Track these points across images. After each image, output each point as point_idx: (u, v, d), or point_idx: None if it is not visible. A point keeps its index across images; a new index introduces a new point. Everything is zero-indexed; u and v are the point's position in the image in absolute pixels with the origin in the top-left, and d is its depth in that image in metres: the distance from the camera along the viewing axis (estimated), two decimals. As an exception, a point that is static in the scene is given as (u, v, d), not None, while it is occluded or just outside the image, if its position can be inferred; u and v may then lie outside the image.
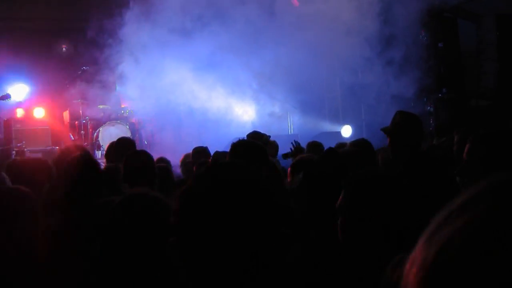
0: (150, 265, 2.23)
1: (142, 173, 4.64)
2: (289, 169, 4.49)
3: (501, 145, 2.75)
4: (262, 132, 8.25)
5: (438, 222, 0.82)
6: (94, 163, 4.50)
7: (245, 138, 7.77)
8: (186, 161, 7.73)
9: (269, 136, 8.25)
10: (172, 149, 10.83)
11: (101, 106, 14.49)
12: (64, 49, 15.96)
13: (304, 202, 2.97)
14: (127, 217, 2.30)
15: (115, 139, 6.87)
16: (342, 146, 7.35)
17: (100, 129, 13.90)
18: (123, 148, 6.11)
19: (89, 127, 14.21)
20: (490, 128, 2.88)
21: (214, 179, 1.65)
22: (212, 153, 7.26)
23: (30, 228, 2.93)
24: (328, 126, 16.38)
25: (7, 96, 12.56)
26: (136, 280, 2.23)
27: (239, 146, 4.26)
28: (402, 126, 4.80)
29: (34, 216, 2.97)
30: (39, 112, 15.17)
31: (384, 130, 5.00)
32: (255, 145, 4.43)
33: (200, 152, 7.62)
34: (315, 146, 7.79)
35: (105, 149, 7.26)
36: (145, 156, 4.92)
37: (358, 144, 5.51)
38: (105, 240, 2.29)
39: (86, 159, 4.40)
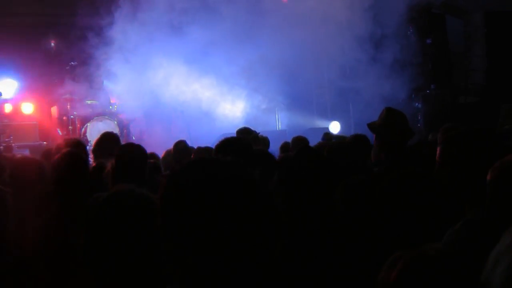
0: (136, 263, 2.21)
1: (135, 167, 4.58)
2: None
3: (471, 146, 2.72)
4: (250, 128, 8.24)
5: None
6: (81, 159, 4.45)
7: (235, 134, 7.78)
8: (167, 158, 7.69)
9: (258, 132, 8.24)
10: (160, 145, 10.79)
11: (89, 102, 14.41)
12: (52, 44, 15.86)
13: (282, 199, 2.97)
14: (113, 215, 2.26)
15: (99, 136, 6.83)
16: (329, 137, 7.39)
17: (88, 124, 13.83)
18: (108, 143, 6.08)
19: (77, 122, 14.13)
20: (463, 127, 2.87)
21: (193, 174, 1.65)
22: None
23: (4, 223, 2.91)
24: (316, 122, 16.39)
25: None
26: (121, 278, 2.21)
27: (224, 143, 4.22)
28: (389, 122, 4.78)
29: (7, 210, 2.94)
30: (27, 107, 15.08)
31: (370, 126, 4.97)
32: (240, 141, 4.39)
33: (182, 149, 7.59)
34: (299, 140, 7.78)
35: (93, 144, 7.23)
36: (138, 150, 4.85)
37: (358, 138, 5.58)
38: (89, 238, 2.26)
39: (72, 155, 4.36)
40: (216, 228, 1.57)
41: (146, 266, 2.22)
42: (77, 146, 5.66)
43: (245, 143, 4.25)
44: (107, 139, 6.37)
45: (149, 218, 2.25)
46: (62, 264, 3.22)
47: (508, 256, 1.27)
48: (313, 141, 8.54)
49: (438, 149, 2.86)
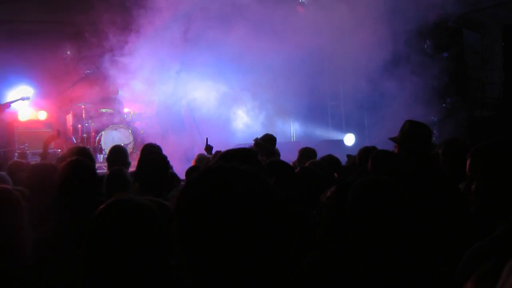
0: (132, 273, 2.19)
1: (156, 177, 4.60)
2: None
3: (500, 156, 2.65)
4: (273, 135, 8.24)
5: None
6: (86, 168, 4.42)
7: (250, 144, 7.76)
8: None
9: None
10: (174, 154, 10.79)
11: (104, 110, 14.47)
12: (68, 52, 15.97)
13: (334, 212, 2.92)
14: (107, 225, 2.25)
15: (117, 143, 6.92)
16: (351, 158, 7.32)
17: (103, 132, 13.88)
18: (118, 155, 6.16)
19: (91, 130, 14.19)
20: (488, 139, 2.77)
21: (207, 183, 1.62)
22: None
23: (14, 225, 2.90)
24: (330, 134, 16.35)
25: (27, 98, 12.71)
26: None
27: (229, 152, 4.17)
28: (411, 135, 4.74)
29: (18, 212, 2.94)
30: (42, 115, 15.19)
31: (393, 139, 4.95)
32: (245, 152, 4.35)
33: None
34: (309, 152, 7.72)
35: (107, 153, 7.27)
36: (161, 160, 4.86)
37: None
38: (87, 247, 2.25)
39: (76, 164, 4.34)
40: (230, 237, 1.55)
41: (142, 276, 2.19)
42: (83, 154, 5.64)
43: (250, 153, 4.22)
44: (116, 152, 6.48)
45: (147, 227, 2.24)
46: (62, 274, 3.20)
47: None
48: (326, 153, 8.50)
49: (467, 162, 2.77)
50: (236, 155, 3.63)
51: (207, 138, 8.60)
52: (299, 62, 13.88)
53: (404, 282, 2.49)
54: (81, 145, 12.12)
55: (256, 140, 7.97)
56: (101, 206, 2.31)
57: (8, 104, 12.31)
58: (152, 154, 5.16)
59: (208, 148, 8.37)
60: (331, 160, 6.60)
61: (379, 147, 6.51)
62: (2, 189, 2.99)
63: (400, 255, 2.53)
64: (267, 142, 7.90)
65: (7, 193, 2.97)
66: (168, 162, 4.93)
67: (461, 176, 4.61)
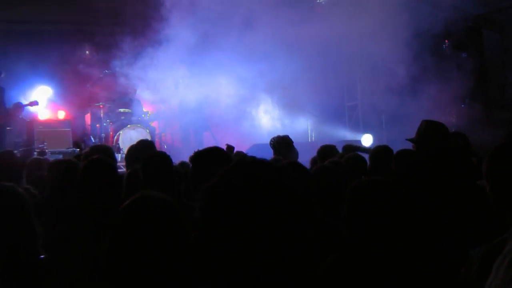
0: (152, 267, 2.21)
1: (160, 175, 4.60)
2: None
3: None
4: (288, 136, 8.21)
5: None
6: (107, 167, 4.45)
7: (267, 144, 7.77)
8: None
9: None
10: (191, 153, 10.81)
11: (122, 110, 14.56)
12: (87, 52, 16.08)
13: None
14: (131, 220, 2.28)
15: (135, 143, 6.89)
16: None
17: (121, 132, 13.94)
18: (143, 151, 6.11)
19: (109, 130, 14.28)
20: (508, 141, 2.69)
21: (240, 176, 1.71)
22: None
23: (20, 224, 2.92)
24: (348, 135, 16.28)
25: (35, 103, 12.77)
26: (139, 283, 2.21)
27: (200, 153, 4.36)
28: (428, 134, 4.73)
29: (23, 210, 2.96)
30: (61, 114, 15.32)
31: (410, 139, 4.95)
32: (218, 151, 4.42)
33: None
34: (330, 149, 7.65)
35: (125, 152, 7.28)
36: (162, 158, 4.87)
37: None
38: (110, 242, 2.28)
39: (98, 163, 4.38)
40: (262, 222, 1.64)
41: (163, 271, 2.21)
42: (105, 152, 5.68)
43: (224, 154, 4.30)
44: (142, 146, 6.42)
45: (167, 222, 2.28)
46: (85, 270, 3.23)
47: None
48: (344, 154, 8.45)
49: (484, 167, 2.71)
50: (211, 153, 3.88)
51: (227, 145, 8.63)
52: (316, 63, 13.85)
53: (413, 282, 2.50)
54: (104, 143, 12.22)
55: (272, 141, 7.97)
56: (127, 201, 2.33)
57: (22, 107, 12.51)
58: (152, 154, 5.17)
59: (229, 149, 8.39)
60: (356, 159, 6.47)
61: (397, 147, 6.46)
62: (7, 188, 3.01)
63: (406, 256, 2.54)
64: (279, 143, 7.88)
65: (11, 191, 2.99)
66: (169, 160, 4.92)
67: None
